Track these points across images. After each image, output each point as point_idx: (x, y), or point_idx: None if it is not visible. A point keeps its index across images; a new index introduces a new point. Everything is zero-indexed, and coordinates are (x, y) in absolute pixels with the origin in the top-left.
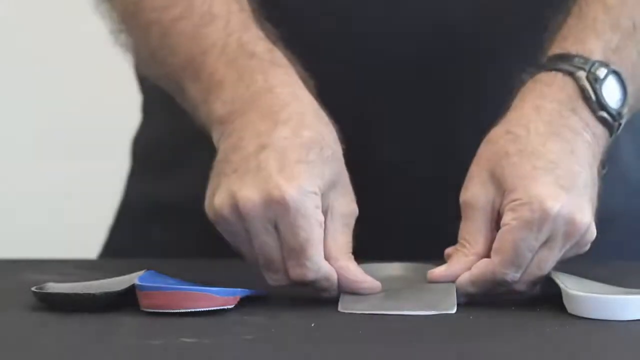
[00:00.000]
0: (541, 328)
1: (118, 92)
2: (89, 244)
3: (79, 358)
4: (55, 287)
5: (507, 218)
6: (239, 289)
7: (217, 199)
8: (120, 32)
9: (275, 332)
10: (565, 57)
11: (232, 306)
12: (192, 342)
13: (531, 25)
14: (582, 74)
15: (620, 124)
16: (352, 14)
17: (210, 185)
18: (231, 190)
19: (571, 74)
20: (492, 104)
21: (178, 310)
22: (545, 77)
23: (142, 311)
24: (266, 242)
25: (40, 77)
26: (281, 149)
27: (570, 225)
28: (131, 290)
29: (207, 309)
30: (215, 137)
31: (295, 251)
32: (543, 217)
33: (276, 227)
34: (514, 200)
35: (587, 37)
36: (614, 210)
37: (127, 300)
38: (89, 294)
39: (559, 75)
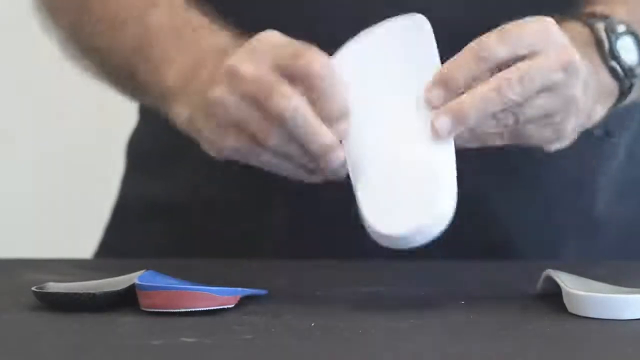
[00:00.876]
0: (541, 328)
1: (115, 93)
2: (88, 244)
3: (79, 358)
4: (55, 287)
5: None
6: (239, 289)
7: (214, 93)
8: (67, 46)
9: (275, 332)
10: (589, 15)
11: (232, 306)
12: (192, 342)
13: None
14: (600, 25)
15: (632, 85)
16: (352, 14)
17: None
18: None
19: (590, 26)
20: None
21: (178, 310)
22: (564, 24)
23: (142, 311)
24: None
25: (38, 78)
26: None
27: (563, 49)
28: (131, 290)
29: (207, 308)
30: (172, 106)
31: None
32: (551, 47)
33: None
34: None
35: (615, 3)
36: (605, 212)
37: (127, 300)
38: (89, 293)
39: (579, 24)
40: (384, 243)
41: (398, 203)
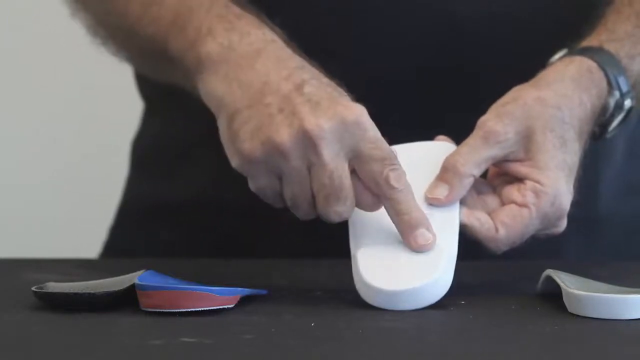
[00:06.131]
0: (541, 328)
1: (119, 94)
2: (89, 244)
3: (79, 358)
4: (55, 287)
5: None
6: (239, 289)
7: (281, 137)
8: (96, 25)
9: (275, 332)
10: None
11: (232, 306)
12: (192, 342)
13: (538, 25)
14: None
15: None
16: (353, 8)
17: (243, 133)
18: (300, 120)
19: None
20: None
21: (178, 310)
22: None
23: (142, 311)
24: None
25: (40, 78)
26: (317, 84)
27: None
28: (131, 290)
29: (207, 308)
30: (206, 80)
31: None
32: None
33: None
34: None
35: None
36: (608, 210)
37: (127, 300)
38: (89, 293)
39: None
40: (376, 300)
41: (397, 266)
